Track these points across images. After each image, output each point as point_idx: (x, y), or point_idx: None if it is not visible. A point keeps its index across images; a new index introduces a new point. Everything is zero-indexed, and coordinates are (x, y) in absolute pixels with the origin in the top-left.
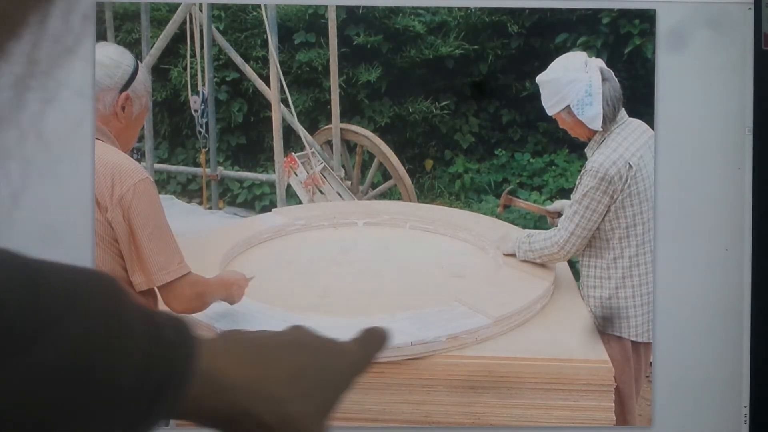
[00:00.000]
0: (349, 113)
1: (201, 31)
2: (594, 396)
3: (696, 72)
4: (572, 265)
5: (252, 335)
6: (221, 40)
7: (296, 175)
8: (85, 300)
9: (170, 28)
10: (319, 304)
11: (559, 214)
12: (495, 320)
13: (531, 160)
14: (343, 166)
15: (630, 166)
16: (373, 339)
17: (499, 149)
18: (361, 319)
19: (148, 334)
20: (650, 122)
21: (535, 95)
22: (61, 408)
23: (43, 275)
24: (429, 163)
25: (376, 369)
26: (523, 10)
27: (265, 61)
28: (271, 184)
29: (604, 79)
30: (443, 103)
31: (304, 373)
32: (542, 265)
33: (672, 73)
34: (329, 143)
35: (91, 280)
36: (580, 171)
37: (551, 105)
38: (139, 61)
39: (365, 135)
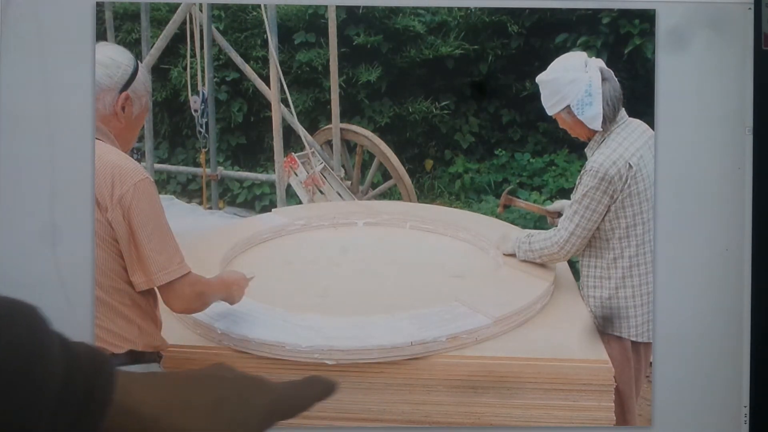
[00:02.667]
0: (349, 113)
1: (201, 31)
2: (594, 396)
3: (696, 72)
4: (572, 265)
5: (172, 372)
6: (221, 40)
7: (296, 175)
8: (1, 329)
9: (170, 28)
10: (319, 304)
11: (559, 214)
12: (495, 320)
13: (531, 160)
14: (343, 166)
15: (630, 166)
16: (316, 386)
17: (499, 149)
18: (362, 318)
19: (66, 364)
20: (650, 122)
21: (535, 95)
22: None
23: None
24: (429, 163)
25: (376, 369)
26: (523, 10)
27: (265, 61)
28: (271, 184)
29: (604, 79)
30: (443, 103)
31: (221, 407)
32: (542, 265)
33: (672, 73)
34: (329, 143)
35: (9, 309)
36: (580, 171)
37: (551, 105)
38: (139, 61)
39: (365, 135)
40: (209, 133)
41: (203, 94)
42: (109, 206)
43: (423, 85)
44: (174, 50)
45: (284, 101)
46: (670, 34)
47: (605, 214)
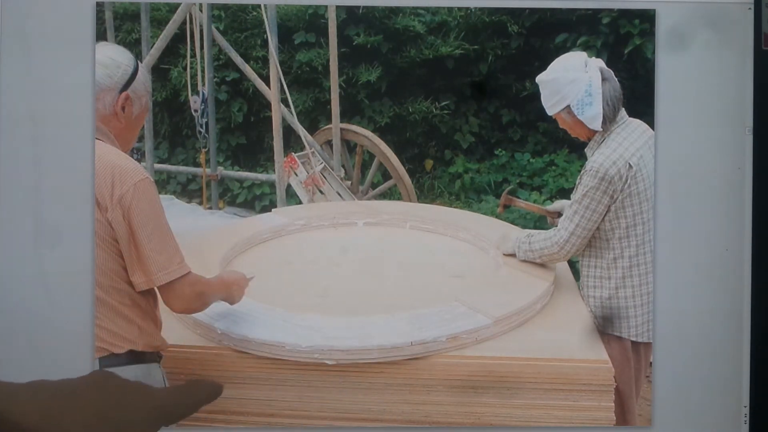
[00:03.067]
0: (349, 113)
1: (201, 31)
2: (594, 396)
3: (696, 72)
4: (572, 265)
5: (53, 382)
6: (221, 40)
7: (296, 175)
8: None
9: (170, 28)
10: (319, 304)
11: (559, 214)
12: (495, 320)
13: (531, 160)
14: (343, 166)
15: (630, 166)
16: (200, 390)
17: (499, 149)
18: (362, 318)
19: None
20: (650, 122)
21: (535, 95)
22: None
23: None
24: (429, 163)
25: (376, 369)
26: (523, 10)
27: (265, 61)
28: (271, 184)
29: (604, 79)
30: (443, 103)
31: (104, 415)
32: (542, 265)
33: (672, 73)
34: (329, 143)
35: None
36: (580, 171)
37: (551, 105)
38: (139, 61)
39: (365, 135)
40: (209, 133)
41: (203, 94)
42: (109, 206)
43: (423, 85)
44: (174, 50)
45: (284, 101)
46: (670, 34)
47: (605, 214)
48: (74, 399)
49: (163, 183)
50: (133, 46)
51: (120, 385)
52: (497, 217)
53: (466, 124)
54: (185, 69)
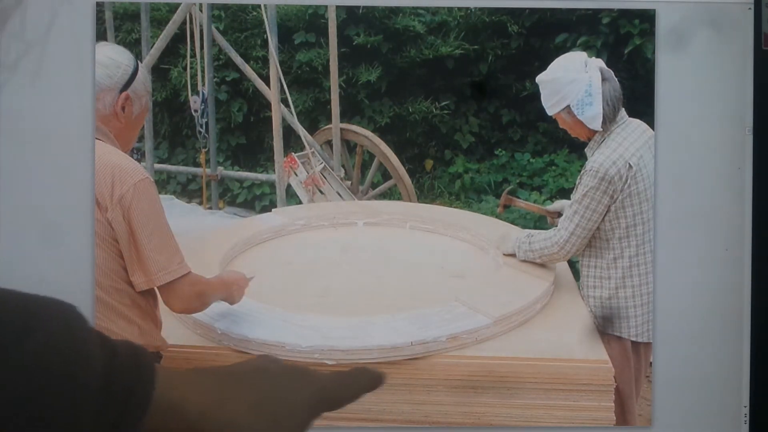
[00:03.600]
0: (349, 113)
1: (201, 31)
2: (594, 396)
3: (696, 72)
4: (572, 265)
5: (215, 367)
6: (221, 40)
7: (296, 175)
8: (37, 329)
9: (170, 28)
10: (319, 304)
11: (559, 214)
12: (495, 320)
13: (531, 160)
14: (343, 166)
15: (630, 166)
16: (363, 377)
17: (499, 149)
18: (362, 318)
19: (106, 362)
20: (650, 122)
21: (535, 95)
22: None
23: None
24: (429, 163)
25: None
26: (523, 10)
27: (265, 61)
28: (271, 184)
29: (604, 79)
30: (443, 103)
31: (267, 401)
32: (542, 265)
33: (672, 73)
34: (329, 143)
35: (48, 309)
36: (580, 171)
37: (551, 105)
38: (139, 61)
39: (365, 135)
40: (209, 133)
41: (203, 94)
42: (109, 206)
43: (423, 85)
44: (174, 50)
45: (284, 101)
46: (670, 34)
47: (605, 214)
48: (237, 385)
49: (163, 183)
50: (133, 46)
51: (282, 369)
52: (497, 217)
53: (466, 124)
54: (185, 69)
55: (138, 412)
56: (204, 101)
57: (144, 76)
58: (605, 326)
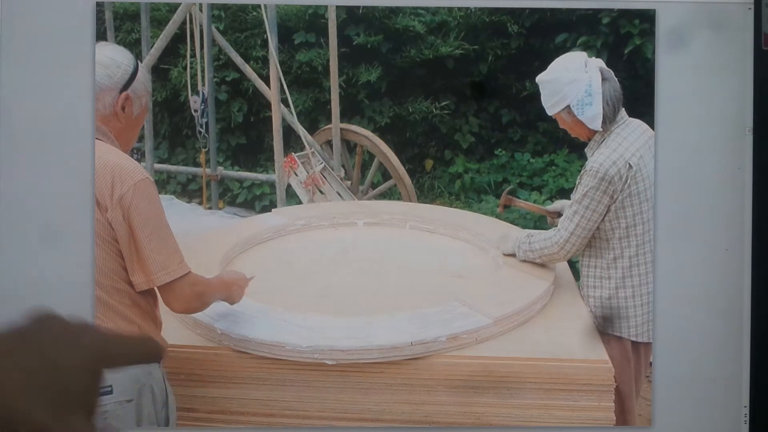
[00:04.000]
0: (349, 113)
1: (201, 31)
2: (594, 396)
3: (696, 72)
4: (572, 265)
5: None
6: (221, 40)
7: (296, 175)
8: None
9: (170, 28)
10: (319, 304)
11: (559, 214)
12: (495, 320)
13: (531, 160)
14: (343, 166)
15: (630, 166)
16: (145, 347)
17: (499, 149)
18: (362, 318)
19: None
20: (650, 122)
21: (535, 95)
22: None
23: None
24: (429, 163)
25: (376, 369)
26: (523, 10)
27: (265, 61)
28: (271, 184)
29: (604, 79)
30: (443, 103)
31: (43, 372)
32: (542, 265)
33: (672, 73)
34: (329, 143)
35: None
36: (580, 171)
37: (551, 105)
38: (139, 61)
39: (365, 135)
40: (209, 133)
41: (203, 94)
42: (109, 206)
43: (423, 85)
44: (174, 50)
45: (284, 101)
46: (670, 34)
47: (605, 214)
48: (20, 339)
49: (163, 183)
50: (133, 46)
51: (64, 324)
52: (497, 217)
53: (466, 124)
54: (185, 69)
55: None
56: (204, 101)
57: (144, 76)
58: (605, 326)
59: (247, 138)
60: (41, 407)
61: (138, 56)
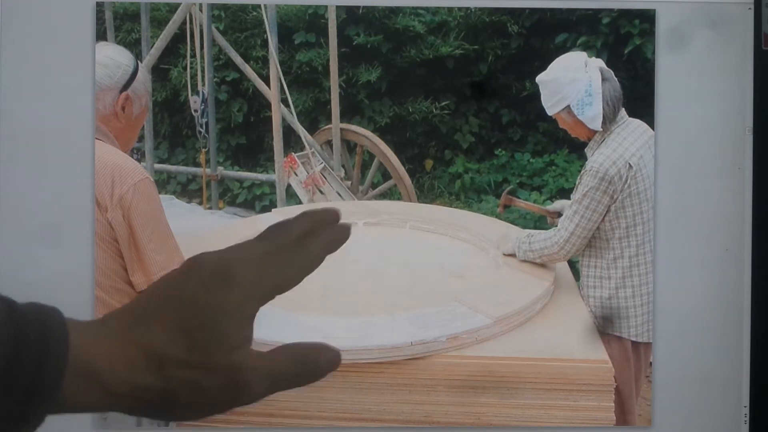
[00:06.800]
0: (349, 113)
1: (201, 31)
2: (594, 396)
3: (696, 72)
4: (572, 265)
5: (129, 305)
6: (221, 40)
7: (296, 175)
8: None
9: (170, 28)
10: (320, 304)
11: (559, 214)
12: (495, 320)
13: (531, 160)
14: (343, 166)
15: (630, 166)
16: (325, 354)
17: (499, 149)
18: (362, 318)
19: (15, 328)
20: (650, 122)
21: (535, 95)
22: None
23: None
24: (429, 163)
25: (376, 369)
26: (523, 10)
27: (265, 61)
28: (271, 184)
29: (604, 79)
30: (443, 103)
31: (189, 322)
32: (542, 265)
33: (672, 73)
34: (329, 143)
35: None
36: (580, 171)
37: (551, 105)
38: (139, 61)
39: (365, 135)
40: (209, 133)
41: (203, 94)
42: (109, 206)
43: (423, 85)
44: (174, 50)
45: (284, 101)
46: (670, 34)
47: (605, 214)
48: (152, 317)
49: (163, 183)
50: (133, 46)
51: (215, 267)
52: (497, 217)
53: (466, 124)
54: (185, 69)
55: (54, 375)
56: (204, 101)
57: (144, 76)
58: (605, 326)
59: (247, 138)
60: (196, 350)
61: (138, 56)
